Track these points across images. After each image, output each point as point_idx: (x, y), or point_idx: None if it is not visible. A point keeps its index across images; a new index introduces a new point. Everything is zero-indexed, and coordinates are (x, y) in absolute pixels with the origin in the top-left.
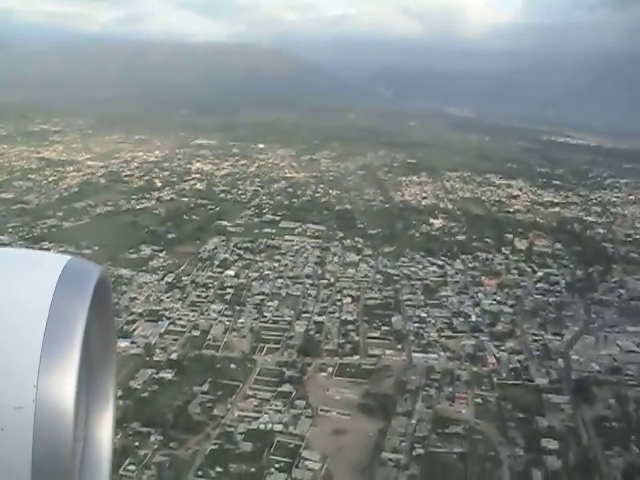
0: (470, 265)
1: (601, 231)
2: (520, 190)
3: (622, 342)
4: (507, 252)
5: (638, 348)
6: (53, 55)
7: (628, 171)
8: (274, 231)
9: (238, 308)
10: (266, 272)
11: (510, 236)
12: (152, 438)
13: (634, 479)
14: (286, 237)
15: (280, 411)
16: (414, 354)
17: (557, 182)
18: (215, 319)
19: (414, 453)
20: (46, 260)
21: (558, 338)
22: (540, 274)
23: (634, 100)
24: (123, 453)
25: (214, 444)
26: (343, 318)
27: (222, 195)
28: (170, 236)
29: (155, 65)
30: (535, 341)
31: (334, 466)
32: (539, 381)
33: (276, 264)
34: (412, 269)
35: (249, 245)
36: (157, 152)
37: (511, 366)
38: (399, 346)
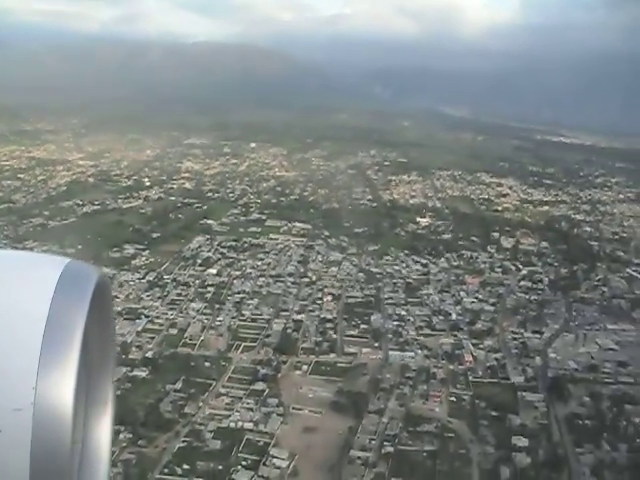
0: (454, 263)
1: (588, 229)
2: (510, 189)
3: (601, 340)
4: (492, 250)
5: (617, 346)
6: (50, 54)
7: (620, 170)
8: (260, 230)
9: (217, 306)
10: (248, 270)
11: (497, 234)
12: (121, 436)
13: (602, 475)
14: (271, 236)
15: (252, 409)
16: (391, 352)
17: (548, 181)
18: (193, 317)
19: (383, 451)
20: (45, 262)
21: (537, 336)
22: (524, 272)
23: (630, 100)
24: None
25: (183, 442)
26: (322, 316)
27: (210, 194)
28: (154, 235)
29: (151, 65)
30: (514, 339)
31: (302, 464)
32: (515, 379)
33: (259, 263)
34: (395, 267)
35: (233, 244)
36: (149, 151)
37: (488, 364)
38: (376, 344)
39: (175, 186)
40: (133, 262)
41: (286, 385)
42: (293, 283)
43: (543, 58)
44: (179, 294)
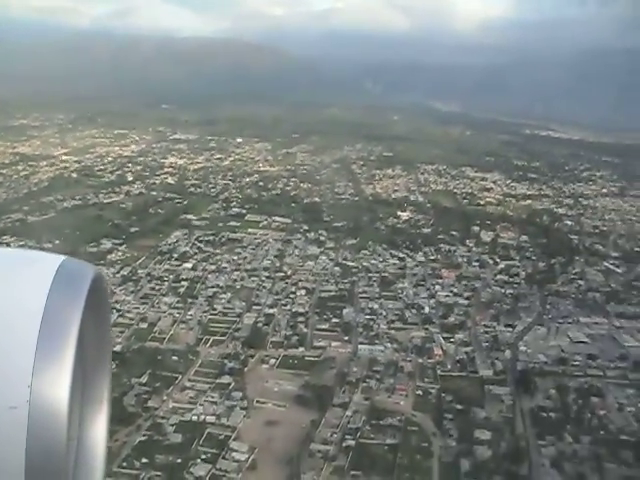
0: (431, 257)
1: (569, 223)
2: (494, 183)
3: (573, 333)
4: (471, 244)
5: (588, 339)
6: (40, 49)
7: (605, 164)
8: (239, 224)
9: (190, 301)
10: (224, 265)
11: (477, 228)
12: None
13: (562, 466)
14: (250, 230)
15: (215, 403)
16: (360, 346)
17: (533, 175)
18: (165, 312)
19: (344, 444)
20: (41, 260)
21: (509, 330)
22: (501, 266)
23: (621, 95)
24: None
25: (144, 436)
26: (294, 310)
27: (192, 189)
28: (133, 230)
29: (141, 60)
30: (486, 333)
31: (261, 457)
32: (483, 372)
33: (235, 257)
34: (372, 262)
35: (211, 238)
36: (133, 147)
37: (457, 358)
38: (346, 338)
39: (158, 181)
40: (109, 257)
41: (252, 379)
42: (268, 277)
43: (534, 53)
44: (152, 288)
